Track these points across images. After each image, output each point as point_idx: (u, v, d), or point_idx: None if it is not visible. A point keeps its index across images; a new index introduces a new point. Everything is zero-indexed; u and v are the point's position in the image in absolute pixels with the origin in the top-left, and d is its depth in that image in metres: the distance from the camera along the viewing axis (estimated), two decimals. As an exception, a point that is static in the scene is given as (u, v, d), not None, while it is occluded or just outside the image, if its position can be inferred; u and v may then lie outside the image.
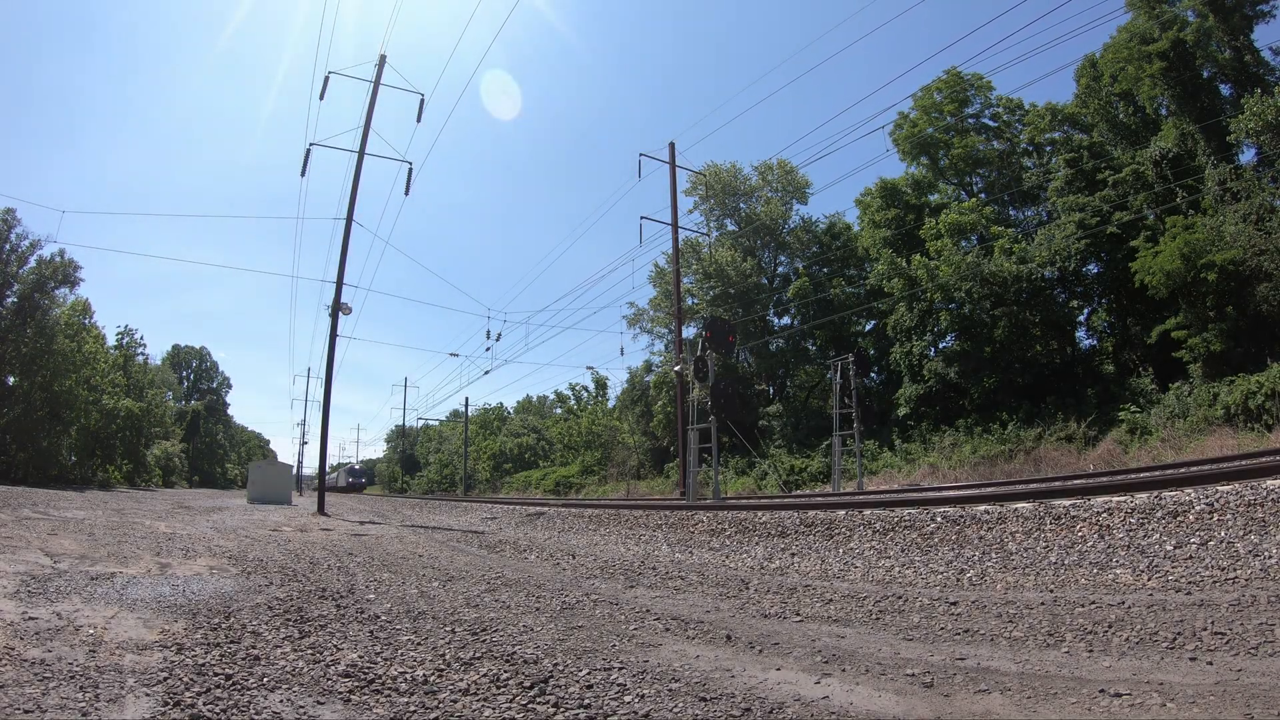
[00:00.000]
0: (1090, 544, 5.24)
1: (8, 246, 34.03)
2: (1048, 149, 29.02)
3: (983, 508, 6.65)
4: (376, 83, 18.97)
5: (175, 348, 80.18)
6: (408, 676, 2.97)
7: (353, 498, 41.89)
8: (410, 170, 20.50)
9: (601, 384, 52.13)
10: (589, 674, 3.03)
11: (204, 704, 2.55)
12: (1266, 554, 4.31)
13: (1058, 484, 9.84)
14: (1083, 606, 3.95)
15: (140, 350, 52.12)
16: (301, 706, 2.59)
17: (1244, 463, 8.06)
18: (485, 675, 3.00)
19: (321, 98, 19.86)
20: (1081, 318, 25.92)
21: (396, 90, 20.15)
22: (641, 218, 23.88)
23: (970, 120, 30.21)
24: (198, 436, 72.77)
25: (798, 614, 4.46)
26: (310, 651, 3.33)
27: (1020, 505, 6.38)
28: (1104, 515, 5.50)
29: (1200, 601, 3.77)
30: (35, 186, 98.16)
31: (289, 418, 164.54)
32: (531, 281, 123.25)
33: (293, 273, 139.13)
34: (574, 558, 7.92)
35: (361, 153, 18.59)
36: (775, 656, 3.38)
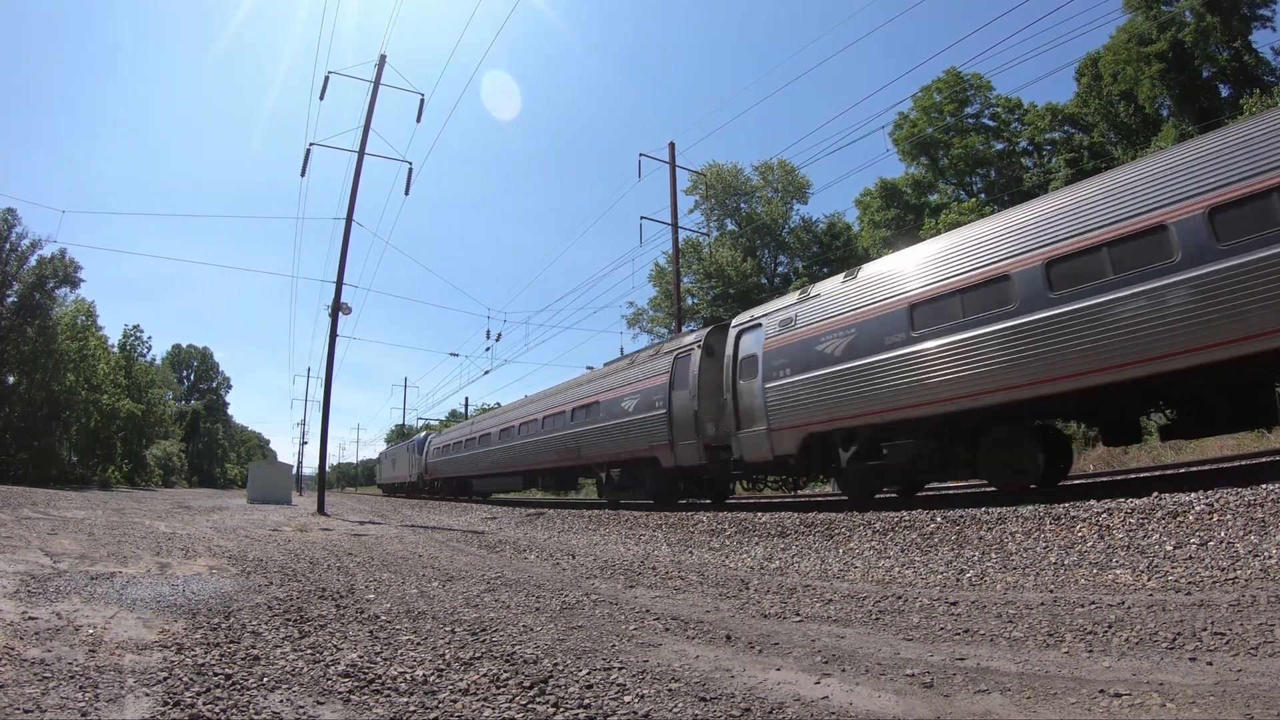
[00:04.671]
0: (1090, 544, 5.24)
1: (8, 246, 34.06)
2: (1047, 149, 29.04)
3: (982, 508, 6.66)
4: (376, 83, 18.98)
5: (176, 348, 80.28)
6: (408, 676, 2.97)
7: (352, 497, 41.61)
8: (410, 170, 20.50)
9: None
10: (589, 674, 3.03)
11: (204, 704, 2.55)
12: (1266, 554, 4.31)
13: (1057, 484, 9.83)
14: (1082, 606, 3.94)
15: (145, 350, 52.21)
16: (301, 706, 2.59)
17: (1244, 463, 8.06)
18: (485, 675, 3.00)
19: (321, 98, 19.85)
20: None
21: (396, 90, 20.16)
22: (641, 218, 23.81)
23: (970, 120, 30.25)
24: (197, 436, 72.84)
25: (797, 614, 4.46)
26: (310, 651, 3.33)
27: (1020, 505, 6.39)
28: (1104, 515, 5.51)
29: (1200, 601, 3.77)
30: (35, 186, 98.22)
31: (289, 418, 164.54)
32: (531, 281, 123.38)
33: (293, 273, 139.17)
34: (574, 558, 7.92)
35: (361, 153, 18.59)
36: (775, 656, 3.37)
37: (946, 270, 8.10)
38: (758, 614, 4.51)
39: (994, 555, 5.60)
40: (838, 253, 33.20)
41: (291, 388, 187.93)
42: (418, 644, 3.54)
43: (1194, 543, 4.73)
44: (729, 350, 11.29)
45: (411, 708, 2.61)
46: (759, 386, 10.33)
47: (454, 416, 69.65)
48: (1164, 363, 6.15)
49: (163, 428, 54.69)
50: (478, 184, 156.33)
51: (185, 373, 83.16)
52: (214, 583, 5.29)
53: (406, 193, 21.22)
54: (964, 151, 29.25)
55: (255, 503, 23.94)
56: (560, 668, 3.13)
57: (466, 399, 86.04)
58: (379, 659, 3.23)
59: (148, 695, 2.62)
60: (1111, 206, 6.76)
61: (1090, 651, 3.17)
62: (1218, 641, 3.10)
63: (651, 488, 13.90)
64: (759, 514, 9.01)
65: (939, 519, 6.64)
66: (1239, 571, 4.22)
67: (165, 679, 2.80)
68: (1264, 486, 5.12)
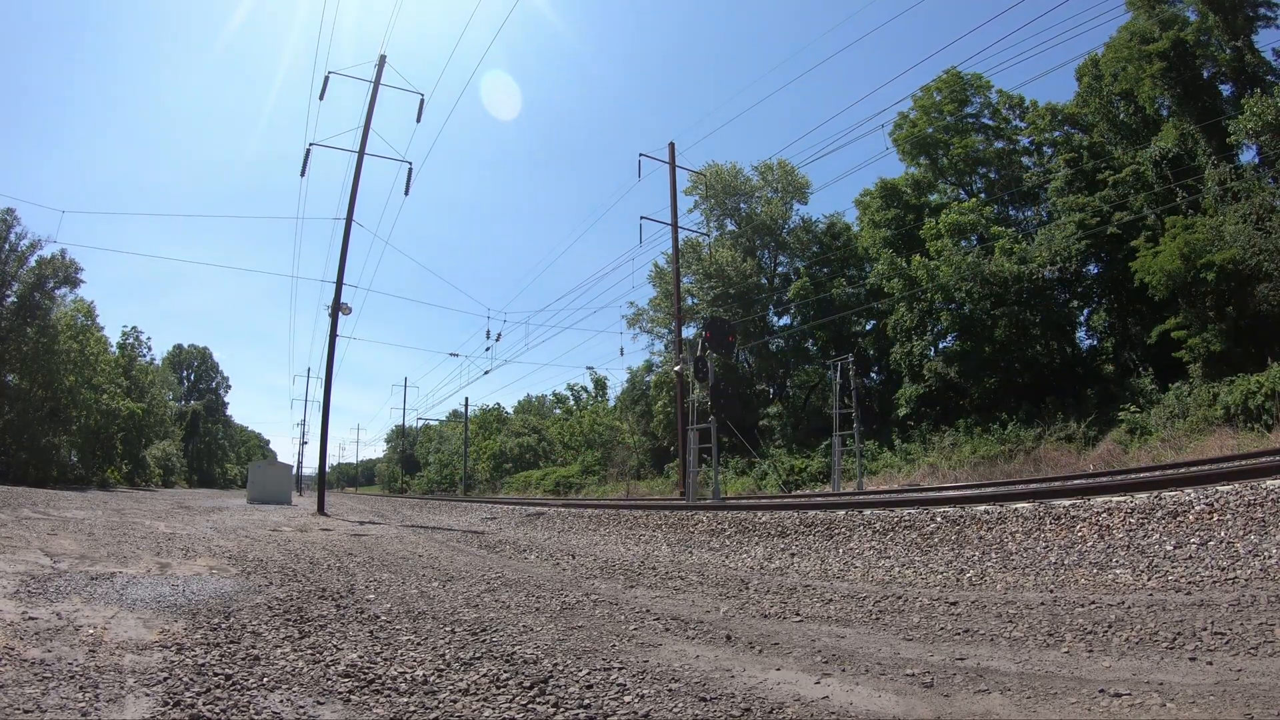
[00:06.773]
0: (1090, 544, 5.24)
1: (7, 246, 34.03)
2: (1047, 149, 29.01)
3: (982, 508, 6.65)
4: (376, 83, 19.00)
5: (176, 348, 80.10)
6: (408, 676, 2.97)
7: (352, 497, 41.57)
8: (410, 170, 20.53)
9: (601, 384, 52.21)
10: (589, 674, 3.03)
11: (204, 704, 2.55)
12: (1266, 554, 4.31)
13: (1057, 484, 9.84)
14: (1083, 606, 3.94)
15: (145, 351, 52.16)
16: (301, 706, 2.59)
17: (1244, 463, 8.06)
18: (485, 675, 3.00)
19: (321, 98, 19.90)
20: (1081, 318, 25.95)
21: (396, 90, 20.25)
22: (641, 218, 23.81)
23: (970, 120, 30.20)
24: (197, 436, 72.79)
25: (797, 614, 4.46)
26: (310, 651, 3.33)
27: (1020, 505, 6.38)
28: (1104, 515, 5.50)
29: (1200, 601, 3.77)
30: (35, 186, 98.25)
31: (289, 418, 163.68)
32: (531, 281, 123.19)
33: (293, 273, 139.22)
34: (574, 558, 7.92)
35: (361, 153, 18.61)
36: (775, 656, 3.37)
37: None
38: (758, 614, 4.51)
39: (994, 555, 5.60)
40: (838, 253, 33.18)
41: (291, 388, 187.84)
42: (418, 644, 3.54)
43: (1194, 543, 4.73)
44: None
45: (411, 708, 2.61)
46: None
47: (454, 417, 69.18)
48: None
49: (163, 428, 54.66)
50: (478, 184, 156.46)
51: (185, 373, 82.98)
52: (214, 583, 5.29)
53: (406, 193, 21.26)
54: (964, 151, 29.20)
55: (255, 503, 23.95)
56: (560, 668, 3.13)
57: (466, 399, 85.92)
58: (379, 659, 3.23)
59: (148, 695, 2.62)
60: None
61: (1090, 651, 3.17)
62: (1218, 641, 3.10)
63: None
64: (759, 514, 9.00)
65: (939, 519, 6.64)
66: (1239, 571, 4.22)
67: (165, 679, 2.80)
68: (1264, 486, 5.11)
